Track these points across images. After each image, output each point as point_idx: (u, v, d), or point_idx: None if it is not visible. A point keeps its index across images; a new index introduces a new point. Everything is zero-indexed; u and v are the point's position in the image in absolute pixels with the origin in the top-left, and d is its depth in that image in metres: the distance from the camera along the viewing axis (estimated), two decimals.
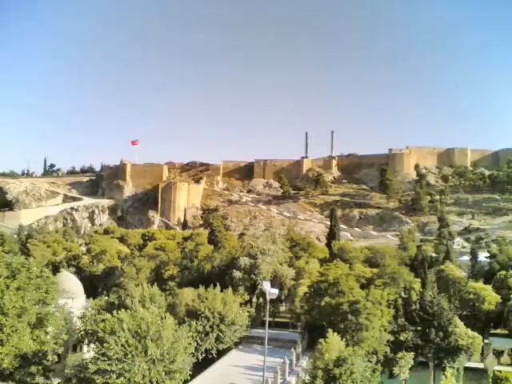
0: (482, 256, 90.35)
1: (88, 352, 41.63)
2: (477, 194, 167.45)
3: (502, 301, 60.23)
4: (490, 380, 45.86)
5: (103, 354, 29.74)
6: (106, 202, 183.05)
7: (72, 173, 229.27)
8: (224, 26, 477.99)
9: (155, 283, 50.62)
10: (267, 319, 36.88)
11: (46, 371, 36.04)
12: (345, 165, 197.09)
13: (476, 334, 50.51)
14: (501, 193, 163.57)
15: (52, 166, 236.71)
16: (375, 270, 56.63)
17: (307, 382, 34.15)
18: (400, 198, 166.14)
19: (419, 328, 49.73)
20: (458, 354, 49.41)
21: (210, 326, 43.76)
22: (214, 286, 48.54)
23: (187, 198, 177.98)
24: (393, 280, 53.94)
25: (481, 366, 54.99)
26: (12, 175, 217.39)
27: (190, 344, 35.16)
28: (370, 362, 36.91)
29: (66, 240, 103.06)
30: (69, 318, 42.70)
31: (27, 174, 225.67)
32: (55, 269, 68.89)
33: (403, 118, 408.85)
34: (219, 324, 44.46)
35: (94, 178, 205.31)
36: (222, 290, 47.99)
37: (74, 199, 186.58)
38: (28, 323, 34.75)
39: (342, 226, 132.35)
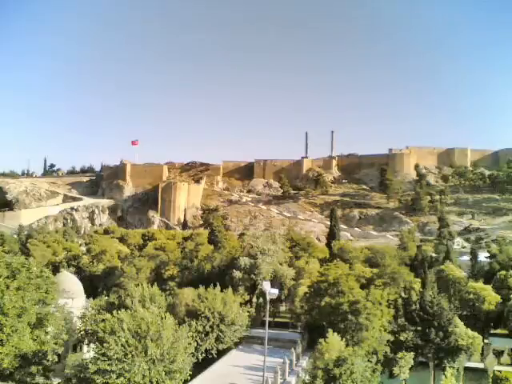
0: (482, 256, 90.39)
1: (88, 352, 41.61)
2: (477, 193, 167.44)
3: (501, 301, 60.20)
4: (490, 380, 45.82)
5: (103, 354, 29.73)
6: (106, 202, 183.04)
7: (72, 173, 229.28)
8: (224, 26, 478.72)
9: (155, 283, 50.54)
10: (267, 319, 36.88)
11: (45, 371, 36.03)
12: (345, 165, 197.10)
13: (476, 334, 50.48)
14: (501, 193, 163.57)
15: (52, 166, 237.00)
16: (375, 270, 56.59)
17: (307, 381, 34.14)
18: (400, 198, 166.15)
19: (419, 328, 49.69)
20: (457, 354, 49.39)
21: (210, 326, 43.75)
22: (214, 285, 48.51)
23: (187, 198, 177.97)
24: (393, 280, 53.89)
25: (481, 366, 54.97)
26: (12, 175, 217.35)
27: (190, 344, 35.13)
28: (370, 361, 36.89)
29: (66, 240, 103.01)
30: (69, 318, 42.68)
31: (27, 174, 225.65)
32: (55, 269, 68.84)
33: (403, 117, 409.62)
34: (219, 324, 44.44)
35: (94, 178, 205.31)
36: (222, 290, 47.95)
37: (74, 199, 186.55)
38: (28, 323, 34.72)
39: (342, 225, 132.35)
